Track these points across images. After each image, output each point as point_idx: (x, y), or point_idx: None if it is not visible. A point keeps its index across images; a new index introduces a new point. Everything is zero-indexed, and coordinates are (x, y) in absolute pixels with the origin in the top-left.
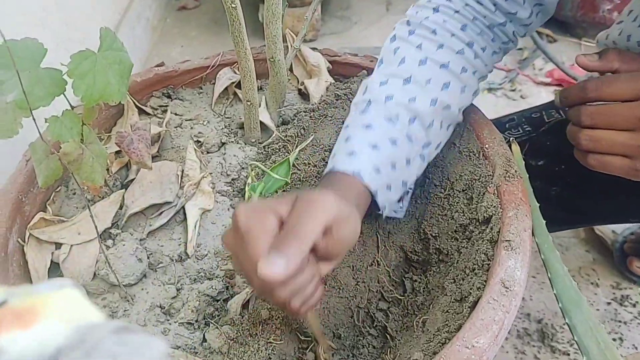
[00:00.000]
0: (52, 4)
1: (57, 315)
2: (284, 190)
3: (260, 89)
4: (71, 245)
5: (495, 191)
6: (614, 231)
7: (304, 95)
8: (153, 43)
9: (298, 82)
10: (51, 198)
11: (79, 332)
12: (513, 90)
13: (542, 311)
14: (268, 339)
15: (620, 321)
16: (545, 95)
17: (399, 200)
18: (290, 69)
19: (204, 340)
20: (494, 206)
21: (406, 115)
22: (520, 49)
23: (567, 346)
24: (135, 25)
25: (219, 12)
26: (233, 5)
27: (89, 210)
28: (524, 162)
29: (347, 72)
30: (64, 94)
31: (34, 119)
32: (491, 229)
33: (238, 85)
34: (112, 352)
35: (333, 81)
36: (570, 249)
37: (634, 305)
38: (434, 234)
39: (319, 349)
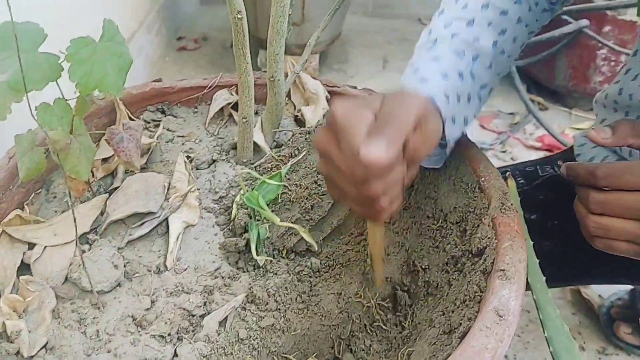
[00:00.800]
0: (54, 29)
1: None
2: (273, 204)
3: (256, 113)
4: (45, 247)
5: (491, 223)
6: (600, 296)
7: (300, 122)
8: (150, 79)
9: (295, 108)
10: (30, 199)
11: None
12: (504, 152)
13: None
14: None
15: None
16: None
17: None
18: (288, 95)
19: (175, 355)
20: (489, 237)
21: (470, 53)
22: (512, 113)
23: None
24: (135, 58)
25: (217, 54)
26: (239, 16)
27: (72, 209)
28: (519, 198)
29: None
30: (58, 86)
31: (28, 102)
32: (485, 260)
33: (234, 106)
34: None
35: None
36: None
37: None
38: (423, 267)
39: (374, 274)
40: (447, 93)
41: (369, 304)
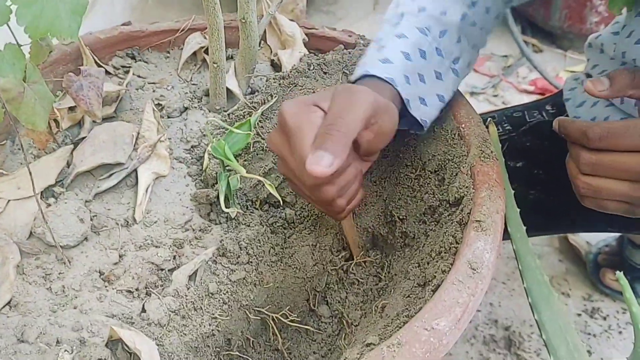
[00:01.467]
0: None
1: None
2: (245, 153)
3: (230, 57)
4: (8, 200)
5: (469, 171)
6: (588, 242)
7: (276, 66)
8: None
9: (271, 52)
10: None
11: None
12: (495, 96)
13: (510, 319)
14: (213, 314)
15: (589, 334)
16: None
17: None
18: (264, 39)
19: (143, 310)
20: (466, 187)
21: (437, 28)
22: (505, 56)
23: (534, 355)
24: (115, 1)
25: None
26: None
27: (26, 162)
28: (500, 146)
29: (324, 47)
30: (10, 30)
31: None
32: (461, 210)
33: (207, 51)
34: None
35: (308, 53)
36: (544, 257)
37: (605, 319)
38: (401, 217)
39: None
40: (407, 74)
41: (344, 261)
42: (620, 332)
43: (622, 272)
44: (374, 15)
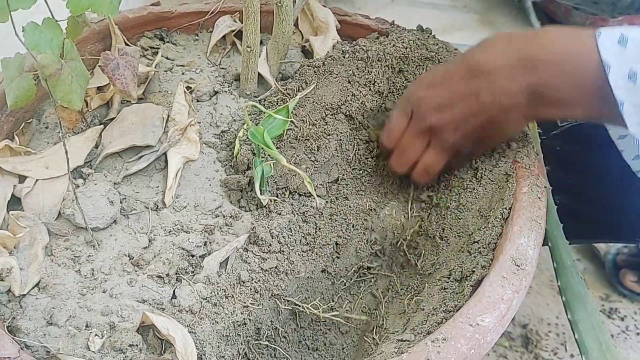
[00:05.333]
0: None
1: None
2: (278, 140)
3: (260, 43)
4: (36, 180)
5: (511, 166)
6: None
7: (307, 53)
8: None
9: (302, 38)
10: (20, 129)
11: None
12: None
13: (528, 316)
14: (245, 303)
15: None
16: None
17: None
18: (295, 24)
19: (174, 296)
20: (508, 181)
21: None
22: None
23: (552, 354)
24: None
25: None
26: None
27: (63, 141)
28: (539, 141)
29: (356, 34)
30: (47, 5)
31: (12, 22)
32: (502, 205)
33: (237, 35)
34: None
35: (341, 40)
36: None
37: (622, 319)
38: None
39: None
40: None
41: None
42: (638, 334)
43: None
44: (392, 7)
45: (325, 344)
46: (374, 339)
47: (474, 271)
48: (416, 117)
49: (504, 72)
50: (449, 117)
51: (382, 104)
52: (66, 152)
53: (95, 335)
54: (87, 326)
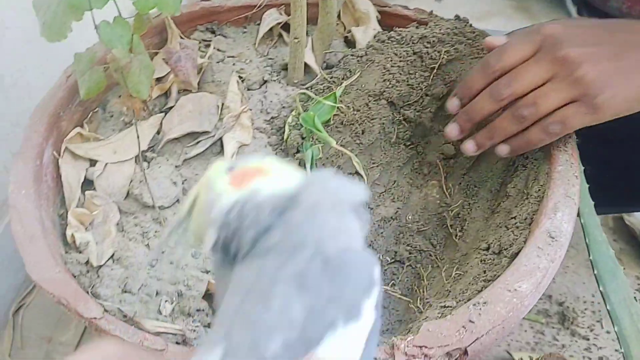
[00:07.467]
0: None
1: (278, 170)
2: (325, 125)
3: (306, 34)
4: (106, 163)
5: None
6: None
7: (350, 43)
8: None
9: (345, 29)
10: (89, 117)
11: (305, 179)
12: None
13: (565, 294)
14: None
15: None
16: None
17: None
18: (338, 16)
19: None
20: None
21: None
22: None
23: (588, 331)
24: None
25: None
26: None
27: (135, 127)
28: None
29: (396, 25)
30: (115, 4)
31: (93, 19)
32: (538, 182)
33: (284, 27)
34: (336, 186)
35: (381, 30)
36: None
37: None
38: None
39: None
40: None
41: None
42: None
43: None
44: (438, 10)
45: None
46: (418, 307)
47: (511, 244)
48: (548, 46)
49: None
50: (591, 51)
51: (423, 90)
52: (137, 137)
53: (166, 301)
54: (157, 294)
